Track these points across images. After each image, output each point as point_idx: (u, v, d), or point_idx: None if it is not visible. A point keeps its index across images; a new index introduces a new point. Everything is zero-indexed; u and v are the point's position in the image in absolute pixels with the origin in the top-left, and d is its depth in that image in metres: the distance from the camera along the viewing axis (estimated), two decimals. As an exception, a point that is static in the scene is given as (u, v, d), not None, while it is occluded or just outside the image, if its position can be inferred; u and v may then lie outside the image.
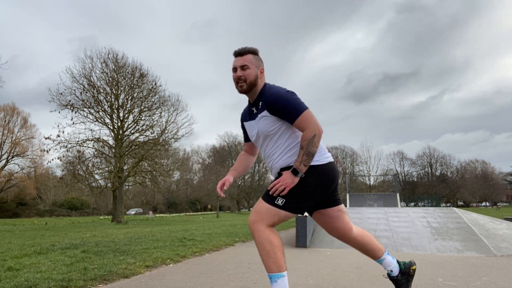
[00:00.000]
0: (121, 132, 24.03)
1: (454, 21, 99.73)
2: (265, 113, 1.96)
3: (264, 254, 1.85)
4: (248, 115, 2.13)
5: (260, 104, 1.99)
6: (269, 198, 1.91)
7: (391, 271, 2.23)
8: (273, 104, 1.91)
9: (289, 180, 1.86)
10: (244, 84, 2.01)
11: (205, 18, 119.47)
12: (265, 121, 1.97)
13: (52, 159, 25.24)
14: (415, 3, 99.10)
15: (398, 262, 2.26)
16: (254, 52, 2.05)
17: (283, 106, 1.89)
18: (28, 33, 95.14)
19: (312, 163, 1.91)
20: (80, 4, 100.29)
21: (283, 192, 1.87)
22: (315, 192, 1.93)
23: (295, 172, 1.86)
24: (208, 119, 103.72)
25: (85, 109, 23.06)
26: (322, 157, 1.98)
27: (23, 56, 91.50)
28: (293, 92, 1.96)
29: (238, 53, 2.05)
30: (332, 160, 2.03)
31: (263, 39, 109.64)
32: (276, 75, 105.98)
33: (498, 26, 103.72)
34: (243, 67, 2.01)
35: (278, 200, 1.88)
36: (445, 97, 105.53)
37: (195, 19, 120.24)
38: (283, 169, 1.97)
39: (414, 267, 2.25)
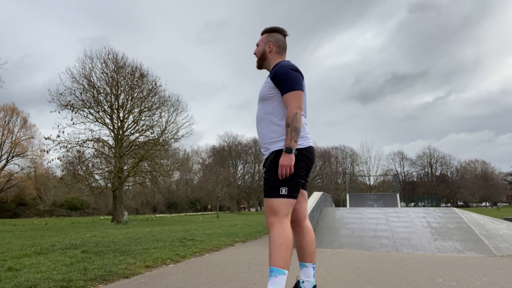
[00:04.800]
0: (121, 132, 24.02)
1: (465, 21, 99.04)
2: (268, 79, 2.16)
3: (275, 247, 1.94)
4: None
5: (270, 74, 2.19)
6: (273, 193, 2.01)
7: (303, 281, 2.18)
8: (277, 73, 2.09)
9: (287, 162, 1.96)
10: (257, 59, 2.34)
11: (218, 19, 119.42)
12: (265, 85, 2.17)
13: (52, 159, 25.22)
14: (428, 2, 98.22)
15: (314, 285, 2.21)
16: (270, 31, 2.33)
17: (282, 78, 2.06)
18: (39, 33, 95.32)
19: (299, 147, 2.05)
20: (93, 4, 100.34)
21: (291, 172, 1.97)
22: (304, 172, 2.07)
23: (288, 150, 1.96)
24: (214, 119, 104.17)
25: (85, 109, 23.09)
26: (306, 141, 2.11)
27: (34, 56, 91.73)
28: (299, 73, 2.11)
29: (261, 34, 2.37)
30: (312, 145, 2.18)
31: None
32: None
33: (509, 25, 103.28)
34: (257, 45, 2.35)
35: (281, 191, 1.99)
36: (451, 97, 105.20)
37: (208, 20, 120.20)
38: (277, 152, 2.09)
39: None
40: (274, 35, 2.30)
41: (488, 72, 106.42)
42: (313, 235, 2.26)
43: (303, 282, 2.19)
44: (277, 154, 2.06)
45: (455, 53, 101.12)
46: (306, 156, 2.07)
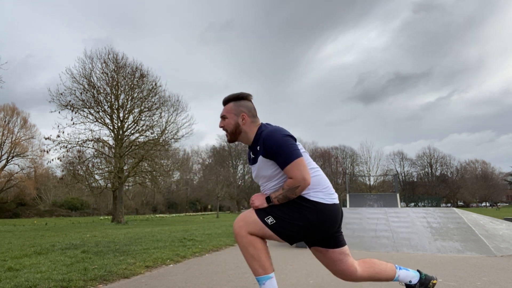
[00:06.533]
0: (121, 132, 24.03)
1: (469, 21, 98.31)
2: (261, 157, 1.92)
3: (248, 258, 1.86)
4: (250, 160, 2.08)
5: (258, 148, 1.94)
6: (261, 213, 1.89)
7: (410, 281, 2.13)
8: (267, 148, 1.86)
9: (258, 202, 1.91)
10: (227, 134, 2.05)
11: (222, 19, 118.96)
12: (263, 165, 1.93)
13: (52, 159, 25.02)
14: (432, 2, 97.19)
15: (419, 271, 2.17)
16: (236, 98, 2.03)
17: (276, 151, 1.84)
18: (42, 33, 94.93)
19: (316, 199, 1.86)
20: (96, 4, 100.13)
21: (253, 206, 1.92)
22: (310, 229, 1.86)
23: (268, 199, 1.89)
24: (215, 120, 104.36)
25: (85, 109, 23.08)
26: (328, 196, 1.90)
27: (37, 56, 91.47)
28: (289, 136, 1.89)
29: (223, 103, 2.07)
30: (337, 202, 1.94)
31: (276, 39, 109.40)
32: (287, 74, 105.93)
33: None
34: (223, 117, 2.04)
35: (268, 219, 1.86)
36: (454, 97, 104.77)
37: (212, 20, 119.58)
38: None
39: (435, 281, 2.13)
40: (244, 104, 2.01)
41: (490, 72, 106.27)
42: (371, 264, 2.09)
43: (410, 282, 2.13)
44: None
45: (458, 53, 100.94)
46: (322, 212, 1.85)
